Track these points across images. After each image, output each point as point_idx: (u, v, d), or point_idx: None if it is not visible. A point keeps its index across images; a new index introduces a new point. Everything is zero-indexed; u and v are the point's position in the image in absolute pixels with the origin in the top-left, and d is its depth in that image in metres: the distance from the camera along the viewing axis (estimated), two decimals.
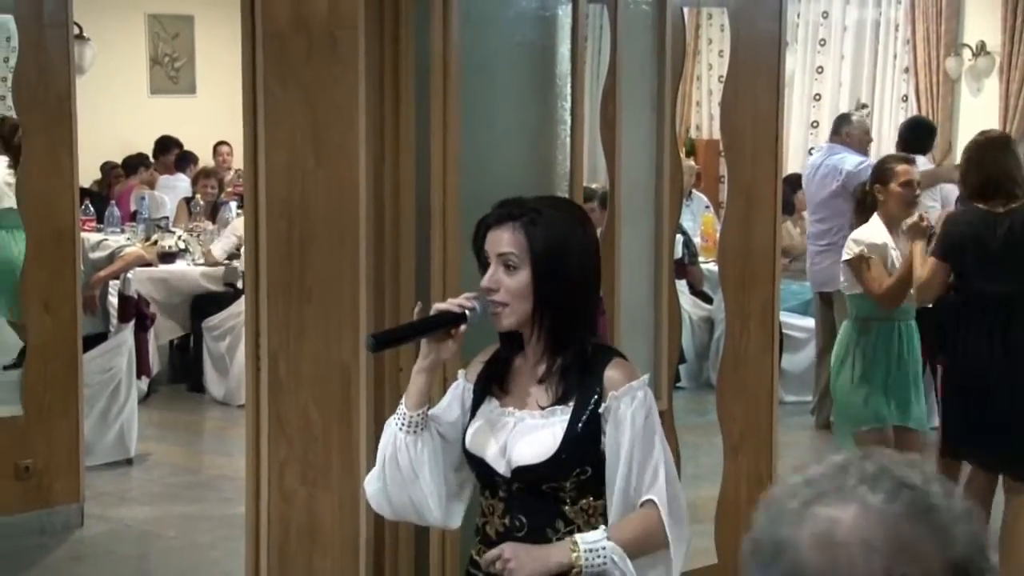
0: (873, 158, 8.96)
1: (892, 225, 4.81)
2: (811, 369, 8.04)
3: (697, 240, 8.90)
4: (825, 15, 11.00)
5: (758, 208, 4.09)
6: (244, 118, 3.46)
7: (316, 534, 3.38)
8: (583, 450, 2.44)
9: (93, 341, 6.49)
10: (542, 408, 2.48)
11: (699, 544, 4.21)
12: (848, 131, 7.65)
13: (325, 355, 3.34)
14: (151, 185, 10.75)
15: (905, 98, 10.59)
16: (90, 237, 7.20)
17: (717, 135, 10.99)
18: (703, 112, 12.02)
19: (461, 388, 2.60)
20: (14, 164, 6.08)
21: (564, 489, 2.46)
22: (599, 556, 2.40)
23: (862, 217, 4.92)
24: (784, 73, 4.16)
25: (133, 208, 10.01)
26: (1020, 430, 4.52)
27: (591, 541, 2.41)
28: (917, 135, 7.62)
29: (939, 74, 10.29)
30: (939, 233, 4.84)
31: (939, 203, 7.52)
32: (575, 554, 2.40)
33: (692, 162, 10.16)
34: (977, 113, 10.23)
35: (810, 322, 8.25)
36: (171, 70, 13.06)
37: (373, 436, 3.10)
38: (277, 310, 3.43)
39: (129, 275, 7.62)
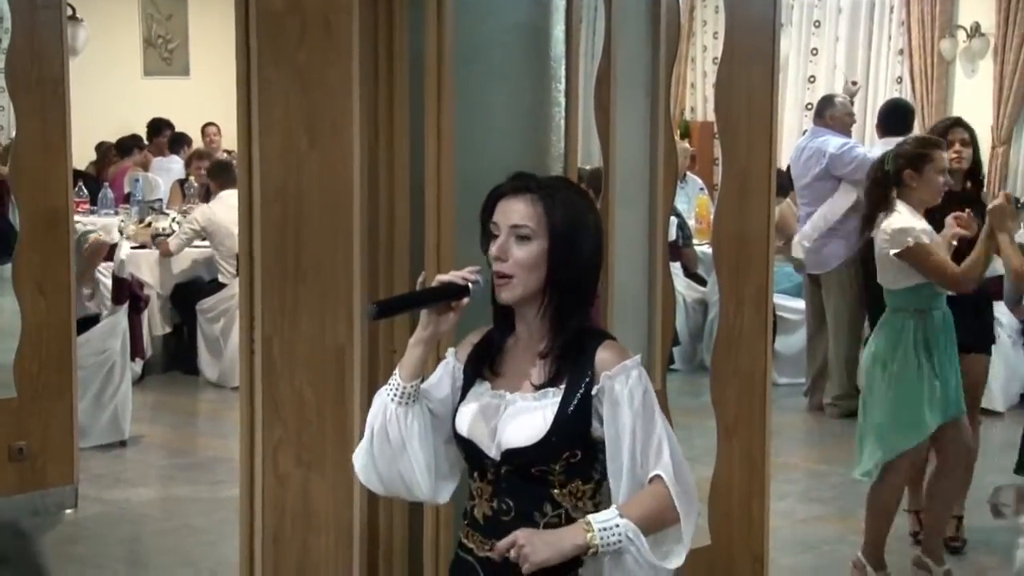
0: (858, 139, 8.99)
1: (919, 212, 4.67)
2: (804, 351, 8.06)
3: (692, 222, 8.91)
4: None
5: (752, 190, 4.09)
6: (238, 101, 3.45)
7: (310, 516, 3.39)
8: (573, 433, 2.44)
9: (84, 324, 6.48)
10: (536, 387, 2.48)
11: None
12: (832, 114, 7.64)
13: (319, 337, 3.34)
14: (145, 167, 10.74)
15: (900, 80, 10.59)
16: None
17: (712, 117, 10.98)
18: (698, 94, 12.02)
19: (452, 366, 2.59)
20: None
21: (553, 472, 2.46)
22: (614, 534, 2.39)
23: (880, 200, 4.72)
24: (778, 55, 4.15)
25: (127, 190, 10.00)
26: None
27: (604, 520, 2.40)
28: (896, 118, 7.59)
29: (933, 56, 10.29)
30: None
31: None
32: (589, 534, 2.39)
33: (687, 144, 10.16)
34: (971, 95, 10.25)
35: (803, 304, 8.27)
36: (165, 51, 13.04)
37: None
38: (271, 292, 3.43)
39: (123, 257, 7.61)
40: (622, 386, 2.43)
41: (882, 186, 4.73)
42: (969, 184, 5.36)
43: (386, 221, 3.24)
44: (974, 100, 10.15)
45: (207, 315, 8.38)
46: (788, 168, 7.94)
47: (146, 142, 11.28)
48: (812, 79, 11.08)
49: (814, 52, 11.11)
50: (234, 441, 3.70)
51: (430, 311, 2.47)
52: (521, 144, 3.38)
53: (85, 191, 9.39)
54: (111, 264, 7.59)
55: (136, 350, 7.29)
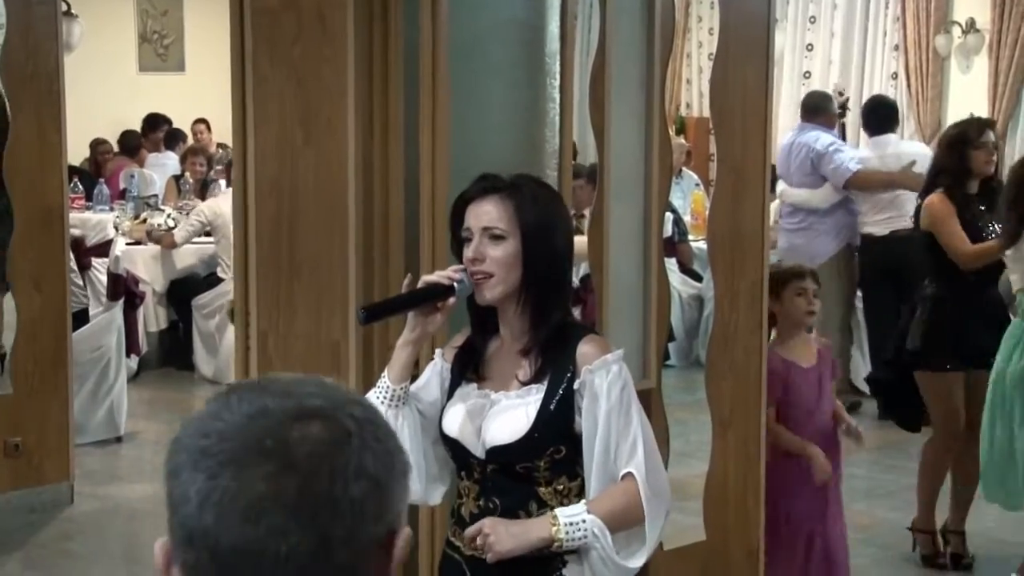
0: (853, 139, 9.00)
1: None
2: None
3: (687, 218, 8.90)
4: None
5: (747, 186, 4.09)
6: (233, 96, 3.45)
7: None
8: (557, 429, 2.45)
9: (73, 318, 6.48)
10: (522, 383, 2.48)
11: (687, 521, 4.23)
12: (829, 112, 7.65)
13: (315, 333, 3.34)
14: (140, 163, 10.73)
15: (895, 75, 10.59)
16: None
17: (708, 113, 10.99)
18: (693, 90, 12.01)
19: (440, 367, 2.60)
20: None
21: (538, 469, 2.46)
22: (579, 530, 2.40)
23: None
24: (773, 51, 4.16)
25: (122, 186, 9.99)
26: None
27: (571, 515, 2.41)
28: (879, 115, 7.60)
29: (928, 51, 10.29)
30: None
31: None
32: (555, 528, 2.40)
33: (682, 140, 10.16)
34: (966, 91, 10.24)
35: None
36: (160, 47, 13.01)
37: None
38: (266, 288, 3.43)
39: (118, 253, 7.61)
40: (602, 380, 2.43)
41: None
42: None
43: (381, 216, 3.25)
44: (969, 96, 10.15)
45: (203, 311, 8.38)
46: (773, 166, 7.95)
47: (143, 137, 11.26)
48: (807, 75, 11.08)
49: (809, 48, 11.10)
50: None
51: (417, 313, 2.48)
52: (516, 140, 3.39)
53: (80, 187, 9.38)
54: (106, 260, 7.59)
55: (132, 346, 7.29)
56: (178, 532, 1.04)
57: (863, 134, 8.26)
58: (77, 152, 9.76)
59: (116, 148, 11.02)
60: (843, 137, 8.80)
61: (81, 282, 7.86)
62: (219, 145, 10.86)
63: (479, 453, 2.48)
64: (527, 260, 2.45)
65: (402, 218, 3.23)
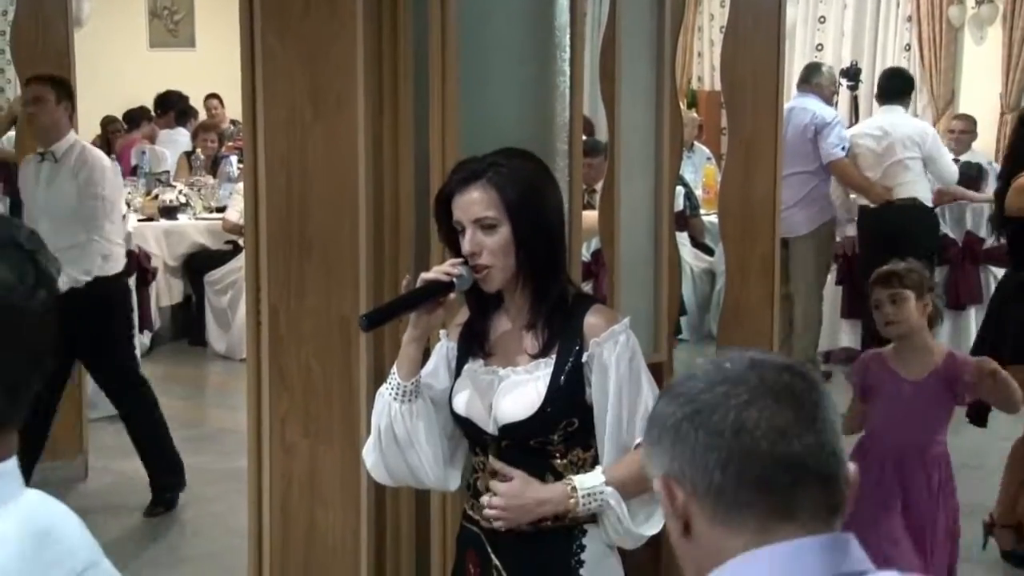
0: (861, 110, 8.96)
1: None
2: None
3: (699, 192, 8.88)
4: None
5: (758, 160, 4.08)
6: (242, 72, 3.44)
7: (318, 487, 3.40)
8: (568, 402, 2.45)
9: None
10: (531, 356, 2.48)
11: None
12: (818, 81, 7.60)
13: (325, 308, 3.34)
14: (151, 140, 10.73)
15: (908, 47, 10.53)
16: None
17: (719, 86, 10.94)
18: (705, 63, 11.96)
19: (445, 348, 2.60)
20: None
21: (552, 443, 2.47)
22: (596, 500, 2.42)
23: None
24: (785, 23, 4.14)
25: (134, 163, 10.00)
26: None
27: (590, 486, 2.42)
28: (893, 85, 7.56)
29: (942, 22, 10.23)
30: None
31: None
32: (572, 499, 2.42)
33: (694, 114, 10.12)
34: (980, 62, 10.19)
35: None
36: (170, 23, 13.00)
37: (374, 388, 3.11)
38: (277, 264, 3.43)
39: (130, 229, 7.63)
40: (610, 352, 2.43)
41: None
42: None
43: (391, 192, 3.24)
44: (982, 67, 10.10)
45: (215, 287, 8.40)
46: None
47: (155, 114, 11.25)
48: (820, 47, 11.02)
49: (821, 20, 11.04)
50: (242, 413, 3.71)
51: (419, 311, 2.47)
52: (525, 114, 3.38)
53: None
54: None
55: (144, 322, 7.31)
56: (706, 460, 1.34)
57: (874, 103, 8.22)
58: (88, 130, 9.77)
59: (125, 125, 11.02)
60: (856, 109, 8.77)
61: None
62: (231, 121, 10.85)
63: (491, 430, 2.48)
64: (520, 242, 2.43)
65: (412, 194, 3.23)
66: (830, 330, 8.12)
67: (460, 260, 2.45)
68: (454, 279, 2.43)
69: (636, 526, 2.46)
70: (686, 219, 8.30)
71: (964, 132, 8.77)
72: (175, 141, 10.70)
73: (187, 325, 8.77)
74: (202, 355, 8.38)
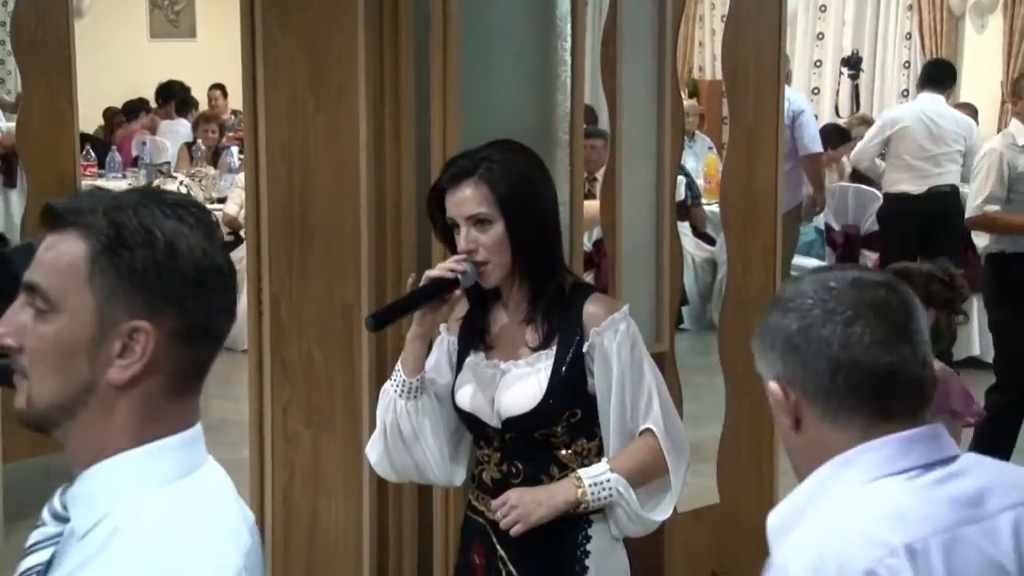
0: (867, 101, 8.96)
1: None
2: None
3: (700, 181, 8.87)
4: None
5: (760, 149, 4.07)
6: (243, 62, 3.44)
7: (320, 477, 3.41)
8: (570, 393, 2.45)
9: None
10: (532, 349, 2.48)
11: (701, 483, 4.24)
12: (789, 69, 7.65)
13: (327, 297, 3.34)
14: (152, 130, 10.72)
15: (908, 35, 10.52)
16: None
17: (720, 76, 10.92)
18: (706, 53, 11.94)
19: (446, 343, 2.60)
20: None
21: (556, 434, 2.47)
22: (604, 489, 2.42)
23: None
24: (786, 12, 4.13)
25: (135, 153, 9.99)
26: None
27: (595, 475, 2.43)
28: (937, 73, 7.56)
29: (943, 11, 10.21)
30: None
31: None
32: (580, 490, 2.42)
33: (695, 103, 10.11)
34: (981, 50, 10.17)
35: (813, 262, 8.26)
36: (171, 13, 12.98)
37: (376, 378, 3.12)
38: (278, 253, 3.43)
39: None
40: (611, 341, 2.44)
41: None
42: None
43: (392, 181, 3.24)
44: (984, 55, 10.09)
45: None
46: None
47: (156, 104, 11.23)
48: (821, 36, 11.01)
49: (823, 9, 11.03)
50: (244, 403, 3.71)
51: (424, 309, 2.46)
52: (527, 102, 3.37)
53: (92, 155, 9.38)
54: None
55: None
56: (817, 367, 1.56)
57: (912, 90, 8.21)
58: (90, 120, 9.77)
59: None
60: (857, 98, 8.76)
61: None
62: (233, 112, 10.84)
63: (495, 424, 2.49)
64: (514, 237, 2.42)
65: (414, 183, 3.22)
66: None
67: (463, 256, 2.44)
68: (458, 275, 2.42)
69: (646, 512, 2.46)
70: (688, 208, 8.29)
71: None
72: (176, 132, 10.68)
73: None
74: None
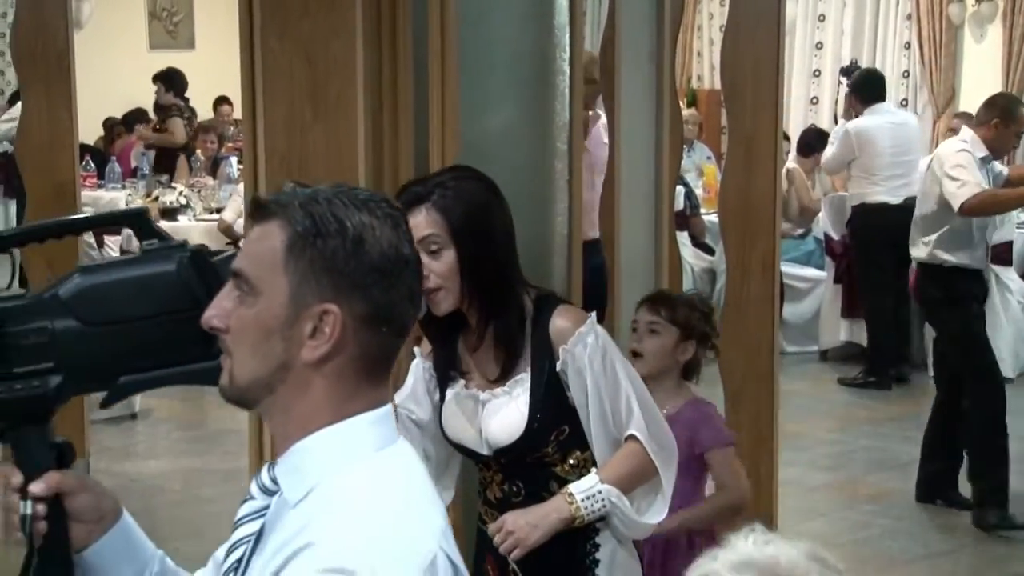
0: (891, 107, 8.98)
1: None
2: (813, 320, 8.07)
3: (699, 191, 8.88)
4: None
5: (758, 158, 4.07)
6: (242, 72, 3.44)
7: None
8: (553, 413, 2.45)
9: None
10: (503, 376, 2.46)
11: None
12: None
13: None
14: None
15: (907, 45, 10.53)
16: None
17: (719, 85, 10.93)
18: (704, 62, 11.96)
19: (420, 369, 2.58)
20: None
21: (548, 454, 2.48)
22: (597, 501, 2.42)
23: None
24: (784, 21, 4.13)
25: (134, 164, 10.00)
26: None
27: (585, 489, 2.43)
28: (872, 85, 7.62)
29: (942, 20, 10.22)
30: None
31: None
32: (573, 506, 2.42)
33: (695, 111, 10.12)
34: (980, 60, 10.18)
35: (812, 272, 8.26)
36: (170, 24, 13.00)
37: None
38: None
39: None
40: (581, 353, 2.43)
41: None
42: None
43: (391, 189, 3.24)
44: (983, 65, 10.09)
45: None
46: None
47: (152, 116, 11.24)
48: (819, 46, 11.02)
49: (821, 18, 11.04)
50: (243, 413, 3.70)
51: None
52: (524, 113, 3.37)
53: (92, 165, 9.38)
54: (119, 239, 7.60)
55: None
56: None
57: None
58: (89, 131, 9.77)
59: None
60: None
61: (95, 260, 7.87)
62: (233, 122, 10.84)
63: (487, 452, 2.49)
64: (464, 265, 2.38)
65: None
66: (830, 328, 8.12)
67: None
68: None
69: (642, 517, 2.47)
70: (686, 218, 8.30)
71: None
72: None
73: None
74: None
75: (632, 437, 2.46)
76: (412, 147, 3.22)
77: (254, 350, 1.50)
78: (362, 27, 3.18)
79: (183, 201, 8.72)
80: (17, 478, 1.56)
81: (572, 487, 2.44)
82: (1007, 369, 7.50)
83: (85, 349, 1.57)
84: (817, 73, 11.02)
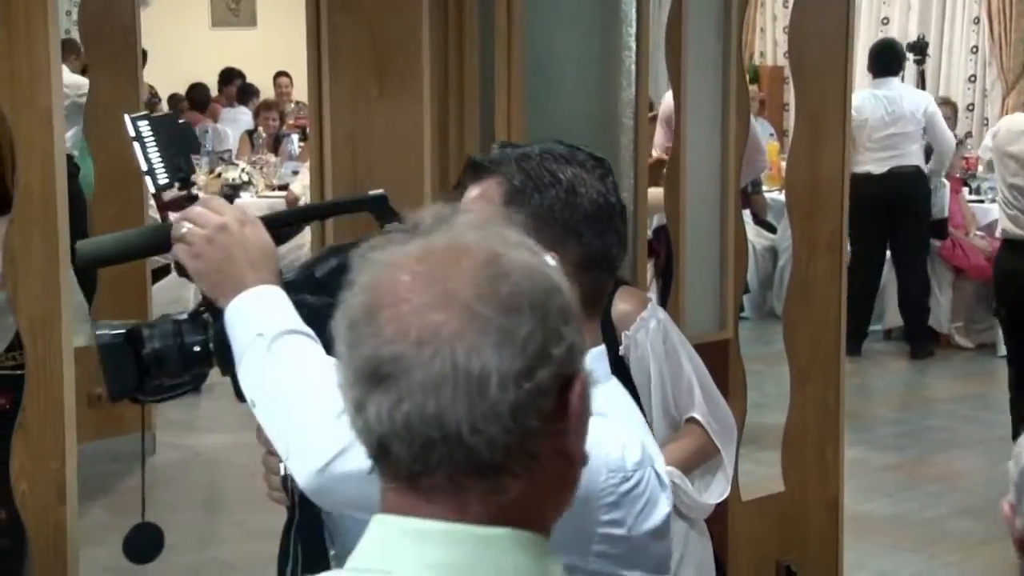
0: (928, 86, 8.86)
1: None
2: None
3: None
4: None
5: (826, 134, 4.02)
6: (308, 48, 3.45)
7: None
8: None
9: (156, 274, 6.56)
10: None
11: (765, 472, 4.21)
12: None
13: None
14: (214, 118, 10.81)
15: (977, 20, 10.35)
16: None
17: (781, 61, 10.81)
18: (767, 38, 11.84)
19: None
20: None
21: None
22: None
23: None
24: None
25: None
26: None
27: None
28: (884, 59, 7.64)
29: None
30: None
31: None
32: None
33: (756, 88, 10.02)
34: None
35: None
36: (232, 2, 13.07)
37: None
38: (343, 240, 3.44)
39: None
40: (644, 338, 2.46)
41: None
42: None
43: (456, 167, 3.24)
44: None
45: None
46: None
47: (217, 92, 11.32)
48: (886, 21, 10.87)
49: None
50: None
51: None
52: (591, 89, 3.36)
53: None
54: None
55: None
56: None
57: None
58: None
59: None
60: (923, 84, 8.64)
61: None
62: (296, 102, 10.89)
63: None
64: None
65: None
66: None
67: None
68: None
69: (704, 497, 2.49)
70: (748, 196, 8.22)
71: None
72: (236, 120, 10.76)
73: None
74: None
75: (692, 419, 2.48)
76: (478, 122, 3.21)
77: None
78: (428, 2, 3.18)
79: (245, 178, 8.77)
80: None
81: None
82: None
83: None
84: None
